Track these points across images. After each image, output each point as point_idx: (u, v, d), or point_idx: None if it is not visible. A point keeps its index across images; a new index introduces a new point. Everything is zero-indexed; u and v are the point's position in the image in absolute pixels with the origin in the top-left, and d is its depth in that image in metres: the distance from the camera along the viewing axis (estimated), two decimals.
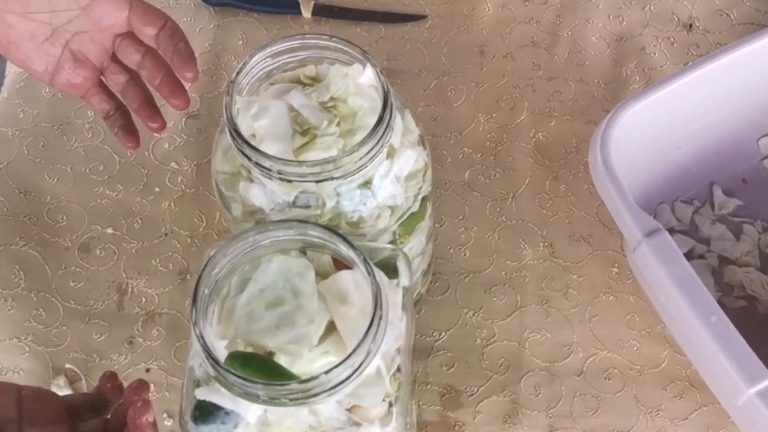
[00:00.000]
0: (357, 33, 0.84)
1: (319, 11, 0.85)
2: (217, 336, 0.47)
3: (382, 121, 0.51)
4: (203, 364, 0.46)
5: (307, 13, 0.85)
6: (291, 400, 0.44)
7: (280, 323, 0.47)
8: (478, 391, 0.68)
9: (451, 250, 0.73)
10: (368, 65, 0.54)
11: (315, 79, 0.56)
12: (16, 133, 0.79)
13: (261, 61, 0.54)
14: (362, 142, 0.51)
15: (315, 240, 0.49)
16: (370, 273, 0.47)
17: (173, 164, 0.77)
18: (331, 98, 0.54)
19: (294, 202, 0.53)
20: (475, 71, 0.83)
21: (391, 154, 0.55)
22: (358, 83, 0.55)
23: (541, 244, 0.74)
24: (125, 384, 0.49)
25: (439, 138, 0.79)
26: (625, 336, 0.70)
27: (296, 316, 0.47)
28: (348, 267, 0.50)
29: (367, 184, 0.54)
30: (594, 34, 0.85)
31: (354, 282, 0.49)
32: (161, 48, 0.58)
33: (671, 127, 0.70)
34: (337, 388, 0.44)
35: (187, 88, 0.61)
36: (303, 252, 0.51)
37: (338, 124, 0.54)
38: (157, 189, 0.76)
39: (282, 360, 0.46)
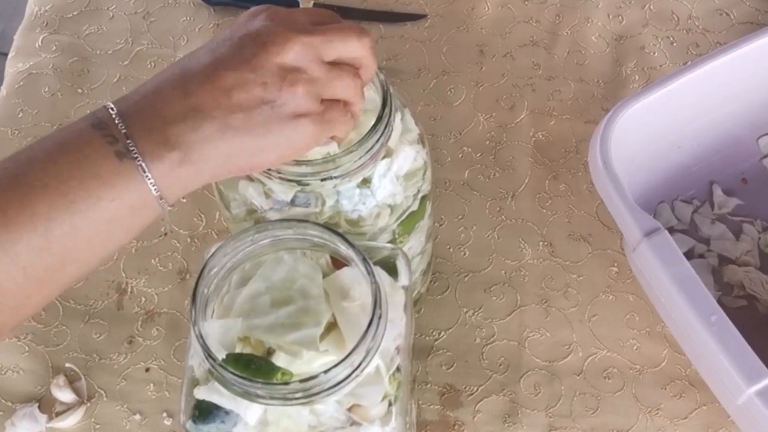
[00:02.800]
0: None
1: None
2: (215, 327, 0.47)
3: (382, 120, 0.51)
4: (203, 363, 0.46)
5: None
6: (291, 399, 0.44)
7: (286, 322, 0.47)
8: (477, 390, 0.68)
9: (451, 250, 0.73)
10: None
11: None
12: (16, 133, 0.79)
13: None
14: (362, 141, 0.51)
15: (314, 239, 0.49)
16: (370, 272, 0.47)
17: None
18: None
19: (293, 201, 0.53)
20: (474, 70, 0.82)
21: (389, 153, 0.55)
22: None
23: (541, 243, 0.74)
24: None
25: (438, 137, 0.79)
26: (624, 335, 0.70)
27: (303, 318, 0.47)
28: (347, 266, 0.50)
29: (366, 182, 0.54)
30: (594, 34, 0.85)
31: (356, 278, 0.49)
32: None
33: (671, 126, 0.70)
34: (337, 388, 0.44)
35: None
36: (303, 252, 0.51)
37: None
38: None
39: (281, 359, 0.46)
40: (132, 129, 0.45)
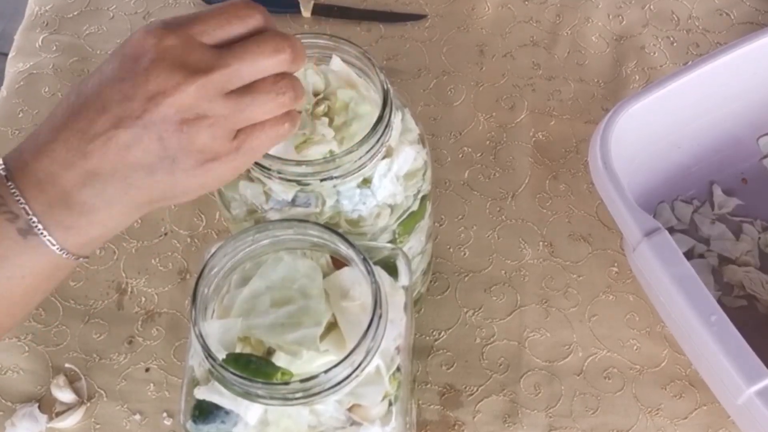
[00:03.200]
0: (357, 32, 0.84)
1: (319, 11, 0.85)
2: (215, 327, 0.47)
3: (382, 120, 0.51)
4: (203, 363, 0.46)
5: (306, 13, 0.85)
6: (291, 399, 0.44)
7: (286, 322, 0.47)
8: (477, 390, 0.68)
9: (451, 250, 0.73)
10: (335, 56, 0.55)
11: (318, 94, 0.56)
12: (16, 133, 0.79)
13: None
14: (362, 141, 0.51)
15: (314, 239, 0.49)
16: (370, 272, 0.47)
17: None
18: (324, 97, 0.55)
19: (293, 201, 0.53)
20: (474, 71, 0.82)
21: (390, 153, 0.55)
22: (337, 72, 0.55)
23: (541, 243, 0.74)
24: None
25: (438, 137, 0.79)
26: (624, 335, 0.70)
27: (303, 317, 0.47)
28: (347, 266, 0.50)
29: (366, 182, 0.54)
30: (594, 34, 0.85)
31: (356, 278, 0.49)
32: None
33: (671, 126, 0.70)
34: (337, 388, 0.44)
35: None
36: (303, 252, 0.51)
37: (331, 122, 0.54)
38: None
39: (281, 358, 0.46)
40: (32, 203, 0.43)
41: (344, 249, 0.48)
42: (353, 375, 0.45)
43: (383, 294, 0.47)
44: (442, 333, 0.70)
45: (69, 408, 0.67)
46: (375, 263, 0.50)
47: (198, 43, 0.43)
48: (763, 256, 0.73)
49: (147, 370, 0.69)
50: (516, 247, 0.74)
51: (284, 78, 0.45)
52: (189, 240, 0.74)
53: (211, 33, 0.44)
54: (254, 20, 0.45)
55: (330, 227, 0.49)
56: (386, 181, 0.54)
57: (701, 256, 0.73)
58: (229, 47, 0.44)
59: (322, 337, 0.47)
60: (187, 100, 0.42)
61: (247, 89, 0.44)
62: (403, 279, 0.52)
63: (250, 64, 0.43)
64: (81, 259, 0.45)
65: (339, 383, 0.44)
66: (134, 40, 0.43)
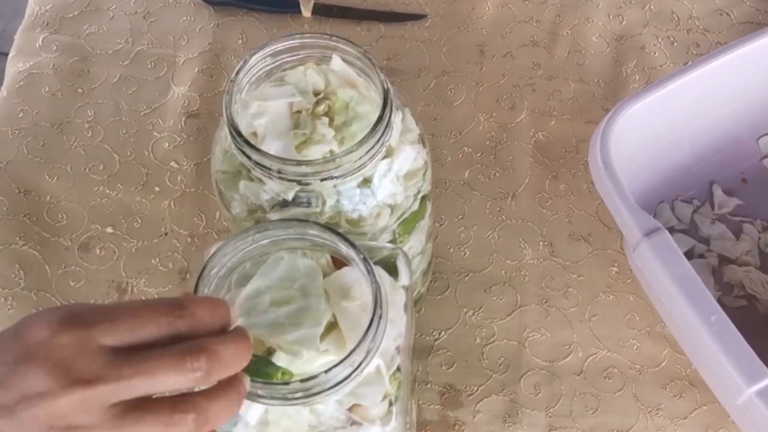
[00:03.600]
0: (357, 32, 0.84)
1: (319, 10, 0.85)
2: None
3: (382, 119, 0.51)
4: None
5: (307, 13, 0.85)
6: (291, 399, 0.44)
7: (286, 321, 0.47)
8: (477, 390, 0.68)
9: (451, 250, 0.73)
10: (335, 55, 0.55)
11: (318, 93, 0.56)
12: (16, 133, 0.79)
13: (261, 60, 0.54)
14: (362, 141, 0.51)
15: (314, 239, 0.49)
16: (370, 272, 0.47)
17: (173, 163, 0.77)
18: (324, 97, 0.55)
19: (294, 201, 0.53)
20: (474, 70, 0.83)
21: (390, 153, 0.55)
22: (337, 72, 0.55)
23: (541, 243, 0.74)
24: None
25: (438, 137, 0.79)
26: (624, 335, 0.70)
27: (303, 317, 0.47)
28: (347, 265, 0.50)
29: (366, 182, 0.54)
30: (594, 34, 0.85)
31: (356, 277, 0.49)
32: None
33: (671, 126, 0.70)
34: (337, 387, 0.44)
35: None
36: (303, 251, 0.51)
37: (331, 122, 0.54)
38: (156, 188, 0.76)
39: (281, 358, 0.46)
40: None
41: (344, 249, 0.48)
42: (353, 375, 0.45)
43: (383, 294, 0.47)
44: (442, 333, 0.70)
45: None
46: (375, 263, 0.50)
47: (95, 346, 0.39)
48: (763, 256, 0.73)
49: None
50: (516, 247, 0.74)
51: (190, 400, 0.40)
52: (189, 240, 0.74)
53: (118, 335, 0.39)
54: (176, 326, 0.40)
55: (330, 227, 0.49)
56: (386, 181, 0.55)
57: (701, 256, 0.73)
58: (129, 354, 0.39)
59: (322, 337, 0.47)
60: (60, 409, 0.38)
61: (137, 405, 0.39)
62: (403, 279, 0.52)
63: (147, 379, 0.38)
64: None
65: (339, 383, 0.44)
66: (30, 323, 0.39)
